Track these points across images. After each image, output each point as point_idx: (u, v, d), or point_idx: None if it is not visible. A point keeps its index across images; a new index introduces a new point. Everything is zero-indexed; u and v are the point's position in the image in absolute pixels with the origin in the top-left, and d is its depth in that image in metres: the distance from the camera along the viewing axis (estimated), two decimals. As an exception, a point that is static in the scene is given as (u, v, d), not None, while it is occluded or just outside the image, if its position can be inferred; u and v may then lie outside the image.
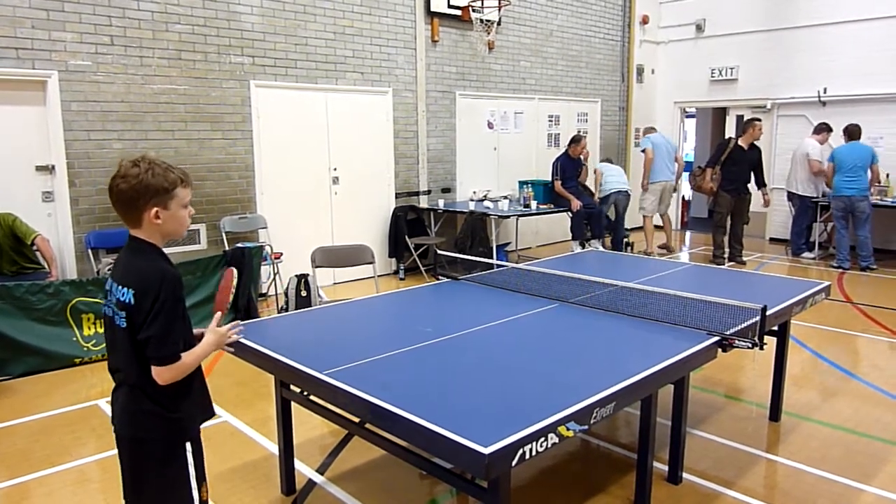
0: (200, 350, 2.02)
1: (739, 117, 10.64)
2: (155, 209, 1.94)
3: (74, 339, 4.98)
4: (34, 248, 5.24)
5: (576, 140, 8.44)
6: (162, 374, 1.90)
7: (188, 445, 2.05)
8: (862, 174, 8.06)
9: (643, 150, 9.33)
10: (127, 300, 1.89)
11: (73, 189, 5.72)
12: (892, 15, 9.01)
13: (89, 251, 5.77)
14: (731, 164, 8.39)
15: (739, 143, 8.40)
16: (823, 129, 8.82)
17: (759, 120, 8.52)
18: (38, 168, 5.65)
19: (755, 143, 8.47)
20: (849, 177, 8.07)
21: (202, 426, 2.14)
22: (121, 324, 1.92)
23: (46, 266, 5.31)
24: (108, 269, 5.52)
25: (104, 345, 4.97)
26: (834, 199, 8.24)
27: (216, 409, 2.32)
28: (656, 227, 9.63)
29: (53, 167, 5.67)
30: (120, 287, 1.92)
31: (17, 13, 5.32)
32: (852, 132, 8.30)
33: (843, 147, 8.32)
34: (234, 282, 2.44)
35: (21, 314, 4.76)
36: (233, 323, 2.30)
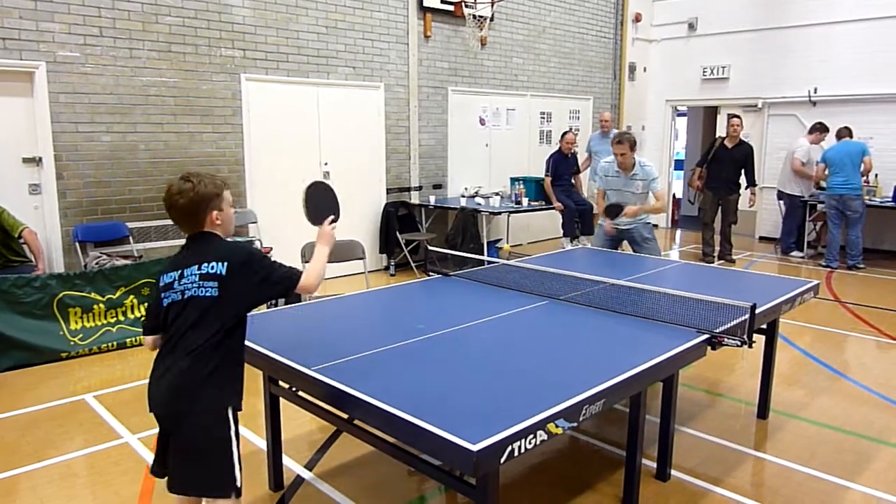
0: (319, 255, 2.47)
1: (729, 116, 10.69)
2: (214, 212, 2.25)
3: (61, 333, 4.94)
4: (21, 241, 5.19)
5: (562, 136, 8.48)
6: (308, 285, 2.30)
7: (230, 413, 2.21)
8: (853, 172, 8.10)
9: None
10: (218, 271, 2.17)
11: (60, 182, 5.66)
12: (883, 16, 9.06)
13: (77, 244, 5.72)
14: (714, 163, 8.49)
15: (725, 142, 8.46)
16: (817, 130, 8.82)
17: (737, 117, 8.57)
18: (25, 160, 5.59)
19: (745, 141, 8.51)
20: (841, 176, 8.11)
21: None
22: (211, 293, 2.16)
23: (33, 259, 5.27)
24: (96, 263, 5.49)
25: (91, 339, 5.02)
26: (827, 198, 8.28)
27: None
28: None
29: (41, 159, 5.61)
30: (207, 263, 2.18)
31: (5, 3, 5.25)
32: (841, 133, 8.37)
33: (832, 147, 8.37)
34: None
35: (7, 308, 4.72)
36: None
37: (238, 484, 2.18)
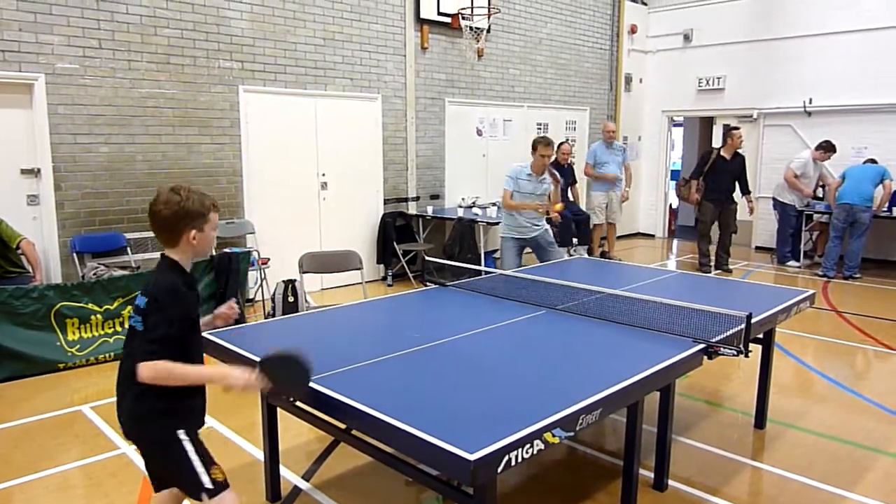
0: (196, 372, 2.19)
1: (726, 126, 10.73)
2: (193, 231, 2.16)
3: (58, 343, 4.94)
4: (19, 251, 5.19)
5: (558, 147, 8.51)
6: (140, 371, 2.03)
7: (181, 434, 2.16)
8: (868, 186, 8.14)
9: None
10: (142, 305, 2.11)
11: (58, 193, 5.67)
12: (876, 27, 9.12)
13: (74, 255, 5.72)
14: (713, 174, 8.48)
15: (722, 153, 8.48)
16: (823, 148, 8.79)
17: (738, 128, 8.60)
18: (24, 171, 5.60)
19: (739, 151, 8.55)
20: (854, 186, 8.15)
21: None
22: (137, 326, 2.11)
23: (31, 270, 5.26)
24: (94, 273, 5.49)
25: (88, 350, 5.01)
26: (837, 208, 8.29)
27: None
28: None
29: (39, 170, 5.62)
30: (142, 295, 2.14)
31: (4, 15, 5.28)
32: (866, 162, 8.56)
33: (855, 166, 8.48)
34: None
35: (4, 318, 4.71)
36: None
37: (207, 486, 2.16)
